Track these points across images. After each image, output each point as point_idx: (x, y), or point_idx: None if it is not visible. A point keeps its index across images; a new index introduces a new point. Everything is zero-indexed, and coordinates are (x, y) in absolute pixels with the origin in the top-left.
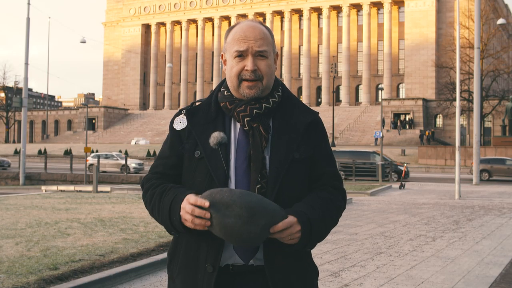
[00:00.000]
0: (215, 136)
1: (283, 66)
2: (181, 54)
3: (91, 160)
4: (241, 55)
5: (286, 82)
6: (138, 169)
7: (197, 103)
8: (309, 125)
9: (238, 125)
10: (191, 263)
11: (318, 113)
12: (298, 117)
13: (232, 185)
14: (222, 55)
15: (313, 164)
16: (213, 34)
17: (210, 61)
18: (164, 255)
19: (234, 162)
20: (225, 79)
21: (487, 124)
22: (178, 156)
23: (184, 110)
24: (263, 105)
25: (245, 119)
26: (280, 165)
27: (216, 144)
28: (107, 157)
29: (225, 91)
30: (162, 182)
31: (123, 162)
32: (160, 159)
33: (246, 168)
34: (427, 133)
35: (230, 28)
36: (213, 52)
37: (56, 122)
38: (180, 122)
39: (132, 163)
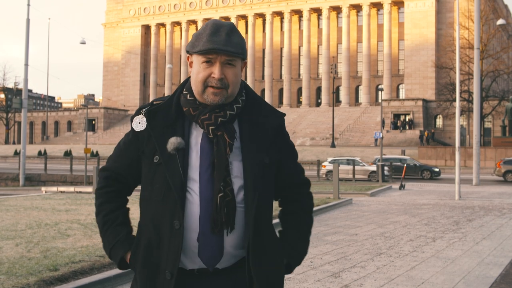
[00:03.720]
0: (172, 142)
1: (282, 67)
2: (181, 55)
3: (328, 166)
4: (209, 61)
5: (286, 83)
6: (388, 176)
7: (156, 102)
8: (277, 128)
9: (201, 130)
10: (151, 268)
11: (284, 114)
12: (266, 119)
13: (196, 191)
14: (188, 56)
15: (280, 168)
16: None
17: None
18: None
19: (198, 168)
20: (187, 80)
21: (487, 124)
22: (133, 158)
23: (144, 110)
24: (228, 112)
25: (210, 127)
26: (257, 171)
27: (174, 150)
28: (348, 162)
29: (188, 95)
30: (108, 199)
31: (371, 168)
32: (115, 158)
33: (209, 176)
34: (426, 133)
35: (201, 28)
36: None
37: (56, 123)
38: (139, 123)
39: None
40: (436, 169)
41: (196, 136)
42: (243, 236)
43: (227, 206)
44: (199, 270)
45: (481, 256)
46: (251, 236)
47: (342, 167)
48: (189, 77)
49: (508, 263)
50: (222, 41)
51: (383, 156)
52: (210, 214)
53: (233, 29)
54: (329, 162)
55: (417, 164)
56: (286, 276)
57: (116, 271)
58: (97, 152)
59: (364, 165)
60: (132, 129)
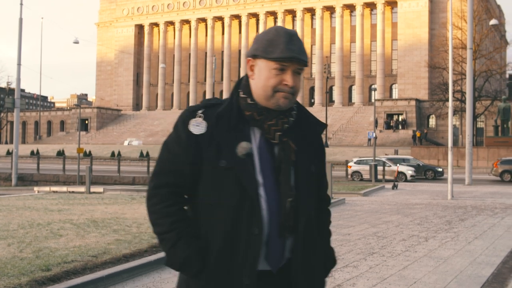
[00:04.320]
0: (244, 147)
1: None
2: (174, 55)
3: (354, 166)
4: (282, 68)
5: None
6: (414, 176)
7: (209, 104)
8: (319, 138)
9: (258, 135)
10: (225, 275)
11: (326, 125)
12: (313, 128)
13: (262, 197)
14: (250, 59)
15: (319, 178)
16: (206, 35)
17: (203, 62)
18: (157, 255)
19: (261, 172)
20: (239, 82)
21: (480, 124)
22: (194, 164)
23: (200, 112)
24: (290, 119)
25: (276, 133)
26: (307, 178)
27: (244, 155)
28: (367, 162)
29: (248, 99)
30: (176, 211)
31: (396, 168)
32: (170, 166)
33: (274, 181)
34: (418, 133)
35: (267, 33)
36: (206, 53)
37: (49, 123)
38: (198, 126)
39: (409, 171)
40: (440, 169)
41: (256, 140)
42: (295, 239)
43: (294, 210)
44: (262, 272)
45: (473, 255)
46: (303, 241)
47: (366, 167)
48: (241, 79)
49: (500, 263)
50: (297, 50)
51: (387, 156)
52: (276, 218)
53: (300, 38)
54: (355, 163)
55: (420, 164)
56: None
57: (108, 271)
58: (90, 152)
59: (390, 166)
60: (190, 132)
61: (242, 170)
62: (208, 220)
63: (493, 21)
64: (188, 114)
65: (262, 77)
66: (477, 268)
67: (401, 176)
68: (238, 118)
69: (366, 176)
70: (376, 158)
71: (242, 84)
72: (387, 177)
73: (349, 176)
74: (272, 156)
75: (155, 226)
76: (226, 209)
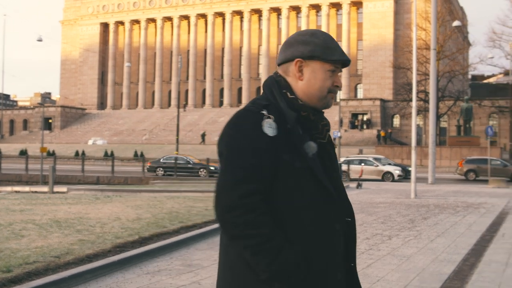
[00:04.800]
0: (313, 146)
1: (242, 66)
2: (139, 54)
3: (341, 167)
4: (334, 70)
5: (245, 82)
6: (402, 176)
7: (265, 105)
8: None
9: (307, 134)
10: (320, 273)
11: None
12: (328, 128)
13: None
14: (301, 60)
15: None
16: (172, 34)
17: (169, 61)
18: (120, 256)
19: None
20: (278, 83)
21: (443, 124)
22: (274, 167)
23: (266, 113)
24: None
25: (327, 132)
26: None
27: (314, 154)
28: (360, 162)
29: (299, 100)
30: (270, 219)
31: (385, 169)
32: (253, 172)
33: (330, 177)
34: (382, 133)
35: (315, 35)
36: (172, 52)
37: (12, 122)
38: (271, 127)
39: (396, 171)
40: (410, 168)
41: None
42: (352, 230)
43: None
44: None
45: (435, 253)
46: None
47: (354, 167)
48: (279, 80)
49: (461, 260)
50: (346, 55)
51: (358, 155)
52: (342, 212)
53: None
54: (343, 163)
55: (391, 164)
56: None
57: (71, 271)
58: (53, 151)
59: (377, 166)
60: (265, 134)
61: (318, 169)
62: (294, 222)
63: (456, 23)
64: (256, 115)
65: (318, 78)
66: (439, 266)
67: (388, 176)
68: (298, 119)
69: (353, 175)
70: (362, 158)
71: (283, 85)
72: (373, 176)
73: None
74: (318, 154)
75: (247, 239)
76: (313, 209)
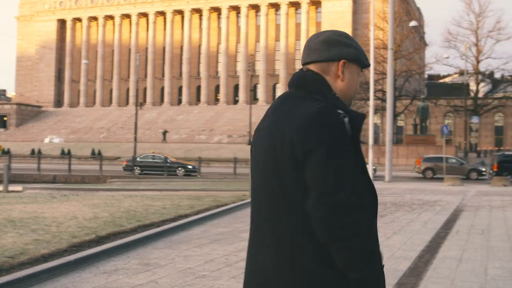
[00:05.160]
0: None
1: (201, 64)
2: (97, 51)
3: None
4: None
5: (204, 80)
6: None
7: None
8: None
9: None
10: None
11: None
12: None
13: None
14: (346, 61)
15: None
16: (130, 31)
17: (127, 58)
18: (77, 255)
19: None
20: (325, 82)
21: (400, 123)
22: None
23: (343, 113)
24: None
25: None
26: None
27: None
28: None
29: (342, 102)
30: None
31: None
32: (348, 170)
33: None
34: None
35: (351, 38)
36: (130, 49)
37: None
38: (347, 126)
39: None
40: (373, 167)
41: None
42: None
43: None
44: None
45: (391, 250)
46: None
47: None
48: (323, 80)
49: (416, 257)
50: None
51: None
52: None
53: None
54: None
55: None
56: (201, 273)
57: (26, 272)
58: (8, 149)
59: None
60: (349, 133)
61: (366, 168)
62: None
63: (413, 23)
64: (338, 114)
65: (354, 81)
66: (395, 263)
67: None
68: None
69: None
70: None
71: (326, 84)
72: None
73: None
74: None
75: (349, 239)
76: (371, 206)
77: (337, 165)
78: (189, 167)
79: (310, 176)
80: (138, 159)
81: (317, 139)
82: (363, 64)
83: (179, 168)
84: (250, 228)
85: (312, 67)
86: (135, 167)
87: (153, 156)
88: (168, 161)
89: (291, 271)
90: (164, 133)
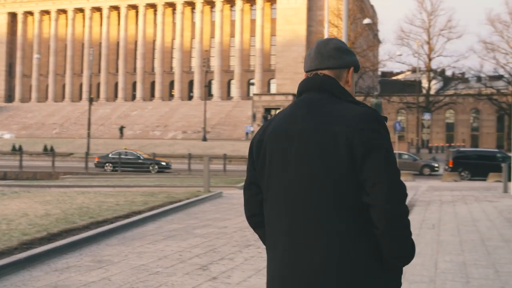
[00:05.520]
0: None
1: (155, 60)
2: (50, 45)
3: None
4: None
5: (158, 76)
6: None
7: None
8: None
9: None
10: None
11: None
12: None
13: None
14: (352, 69)
15: None
16: (83, 25)
17: (80, 53)
18: (27, 253)
19: None
20: (342, 88)
21: None
22: None
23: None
24: None
25: None
26: None
27: None
28: None
29: None
30: None
31: None
32: None
33: None
34: None
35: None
36: (83, 44)
37: None
38: None
39: None
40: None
41: None
42: None
43: None
44: None
45: None
46: None
47: None
48: (341, 85)
49: None
50: None
51: None
52: None
53: None
54: None
55: None
56: (155, 269)
57: None
58: None
59: None
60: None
61: None
62: None
63: (367, 20)
64: (382, 116)
65: (353, 86)
66: None
67: None
68: None
69: None
70: None
71: (345, 90)
72: None
73: None
74: None
75: (406, 228)
76: None
77: (394, 161)
78: (163, 163)
79: (376, 171)
80: (109, 155)
81: (377, 139)
82: (358, 70)
83: (153, 165)
84: (273, 230)
85: (327, 72)
86: (106, 164)
87: (126, 152)
88: (141, 157)
89: (346, 266)
90: (121, 129)
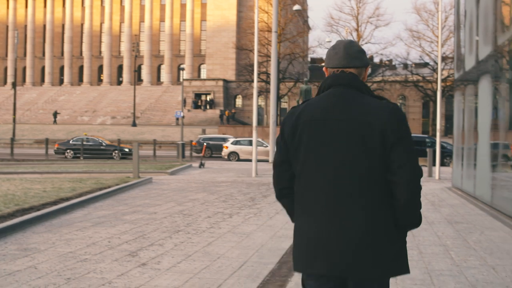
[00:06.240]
0: None
1: (83, 44)
2: None
3: (231, 147)
4: None
5: (86, 60)
6: None
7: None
8: None
9: None
10: None
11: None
12: None
13: None
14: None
15: None
16: (8, 7)
17: (5, 36)
18: None
19: None
20: (366, 85)
21: (283, 105)
22: None
23: None
24: None
25: None
26: None
27: None
28: (251, 143)
29: None
30: None
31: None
32: None
33: None
34: (226, 113)
35: None
36: (7, 26)
37: None
38: None
39: None
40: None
41: None
42: None
43: None
44: None
45: (274, 230)
46: None
47: (245, 148)
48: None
49: None
50: None
51: (207, 135)
52: None
53: None
54: (232, 144)
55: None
56: (83, 257)
57: None
58: None
59: (267, 146)
60: None
61: None
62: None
63: (296, 7)
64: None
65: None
66: (277, 242)
67: None
68: None
69: (243, 156)
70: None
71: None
72: (262, 157)
73: (226, 157)
74: None
75: (420, 198)
76: None
77: (415, 148)
78: (126, 150)
79: (402, 156)
80: (71, 142)
81: (404, 129)
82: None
83: (115, 151)
84: (309, 201)
85: (353, 70)
86: (67, 150)
87: (87, 139)
88: (104, 144)
89: (380, 227)
90: (55, 114)
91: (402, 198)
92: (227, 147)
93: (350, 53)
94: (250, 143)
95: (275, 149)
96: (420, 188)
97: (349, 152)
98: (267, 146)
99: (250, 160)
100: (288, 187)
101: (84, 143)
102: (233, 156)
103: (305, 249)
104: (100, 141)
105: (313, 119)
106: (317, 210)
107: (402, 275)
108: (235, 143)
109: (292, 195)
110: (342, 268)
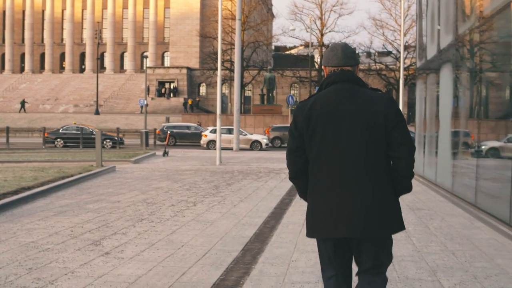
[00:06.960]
0: None
1: (45, 31)
2: None
3: (210, 135)
4: None
5: (48, 47)
6: (268, 145)
7: None
8: None
9: None
10: None
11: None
12: None
13: None
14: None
15: None
16: None
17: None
18: None
19: None
20: (362, 81)
21: (247, 93)
22: None
23: None
24: None
25: None
26: None
27: None
28: (229, 131)
29: None
30: None
31: (253, 138)
32: None
33: None
34: (189, 101)
35: None
36: (5, 12)
37: None
38: None
39: (264, 139)
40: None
41: None
42: None
43: None
44: None
45: (238, 217)
46: None
47: (225, 136)
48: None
49: (262, 223)
50: None
51: (171, 123)
52: None
53: None
54: (210, 132)
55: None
56: (45, 246)
57: None
58: None
59: (246, 134)
60: None
61: None
62: None
63: None
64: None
65: None
66: (241, 229)
67: (256, 144)
68: None
69: (222, 145)
70: (231, 127)
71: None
72: (242, 145)
73: (205, 145)
74: None
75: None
76: None
77: (409, 130)
78: (116, 138)
79: (401, 135)
80: (60, 130)
81: (400, 114)
82: None
83: (107, 140)
84: (324, 180)
85: (349, 68)
86: (57, 139)
87: (77, 127)
88: (94, 133)
89: (385, 195)
90: (23, 102)
91: (402, 170)
92: (206, 135)
93: (347, 53)
94: (229, 131)
95: (288, 138)
96: (414, 162)
97: (360, 136)
98: (246, 135)
99: (230, 149)
100: (302, 169)
101: (74, 132)
102: (212, 144)
103: (325, 218)
104: (91, 130)
105: (327, 111)
106: (333, 186)
107: (400, 231)
108: (214, 131)
109: (304, 176)
110: (361, 229)
